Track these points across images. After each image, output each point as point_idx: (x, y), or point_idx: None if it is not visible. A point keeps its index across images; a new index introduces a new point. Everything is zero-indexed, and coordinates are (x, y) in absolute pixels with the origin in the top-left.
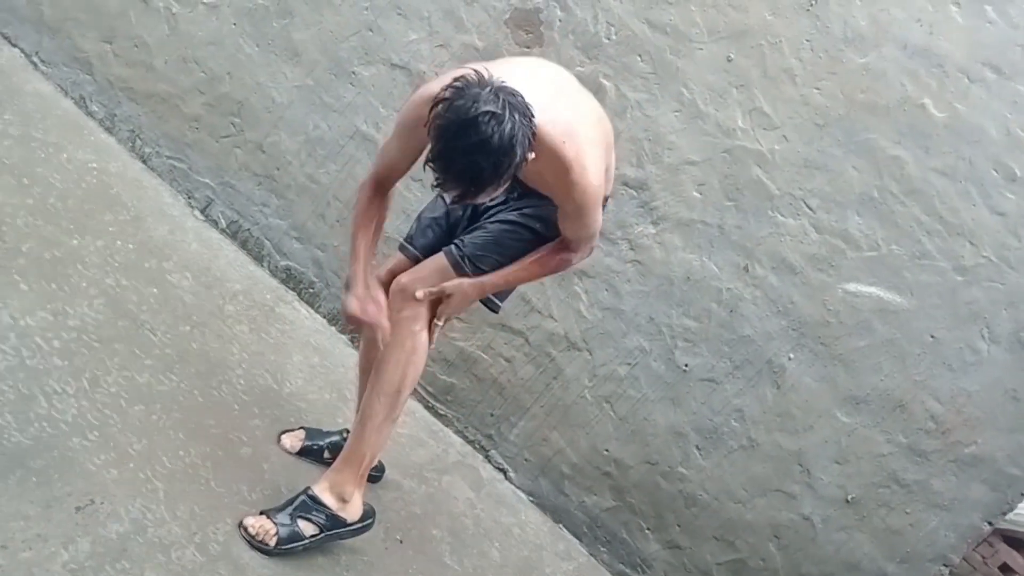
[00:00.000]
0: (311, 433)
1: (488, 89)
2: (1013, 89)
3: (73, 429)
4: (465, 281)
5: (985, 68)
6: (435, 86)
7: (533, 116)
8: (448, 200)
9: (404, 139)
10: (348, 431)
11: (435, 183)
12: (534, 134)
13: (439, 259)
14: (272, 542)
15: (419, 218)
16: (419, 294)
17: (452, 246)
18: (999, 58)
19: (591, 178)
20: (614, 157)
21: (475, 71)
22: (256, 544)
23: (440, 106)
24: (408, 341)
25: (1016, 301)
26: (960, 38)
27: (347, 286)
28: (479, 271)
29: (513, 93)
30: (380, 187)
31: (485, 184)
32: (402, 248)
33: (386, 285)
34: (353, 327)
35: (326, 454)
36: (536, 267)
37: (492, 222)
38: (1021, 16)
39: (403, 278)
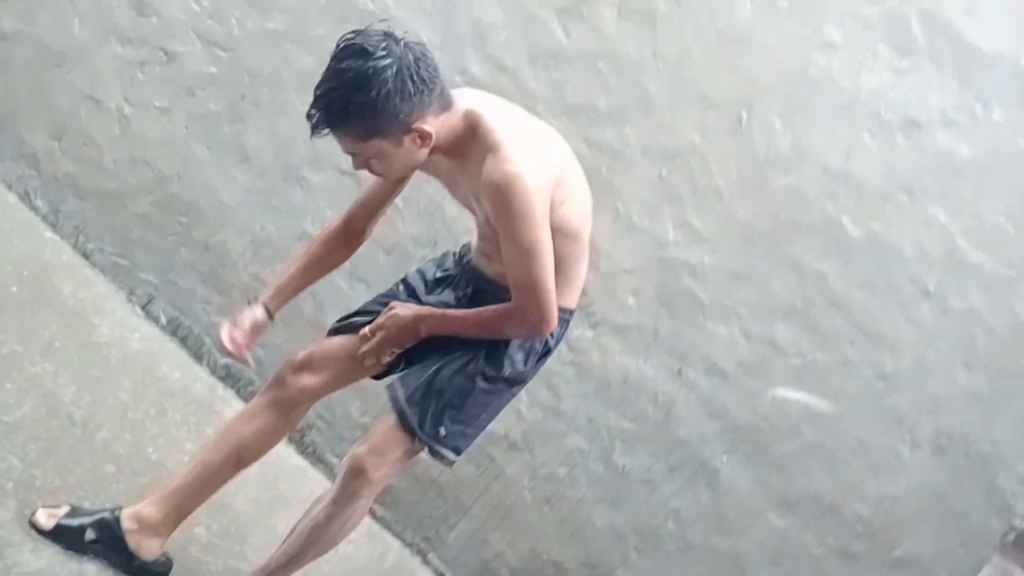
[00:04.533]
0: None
1: (384, 35)
2: (924, 210)
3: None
4: (402, 309)
5: (898, 190)
6: None
7: (432, 80)
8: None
9: None
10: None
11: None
12: (428, 104)
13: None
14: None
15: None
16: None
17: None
18: (910, 181)
19: (534, 191)
20: (580, 199)
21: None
22: None
23: None
24: (356, 516)
25: (935, 408)
26: (874, 162)
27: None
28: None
29: (410, 46)
30: (348, 222)
31: (332, 117)
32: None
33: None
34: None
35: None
36: (485, 321)
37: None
38: (928, 143)
39: (362, 453)
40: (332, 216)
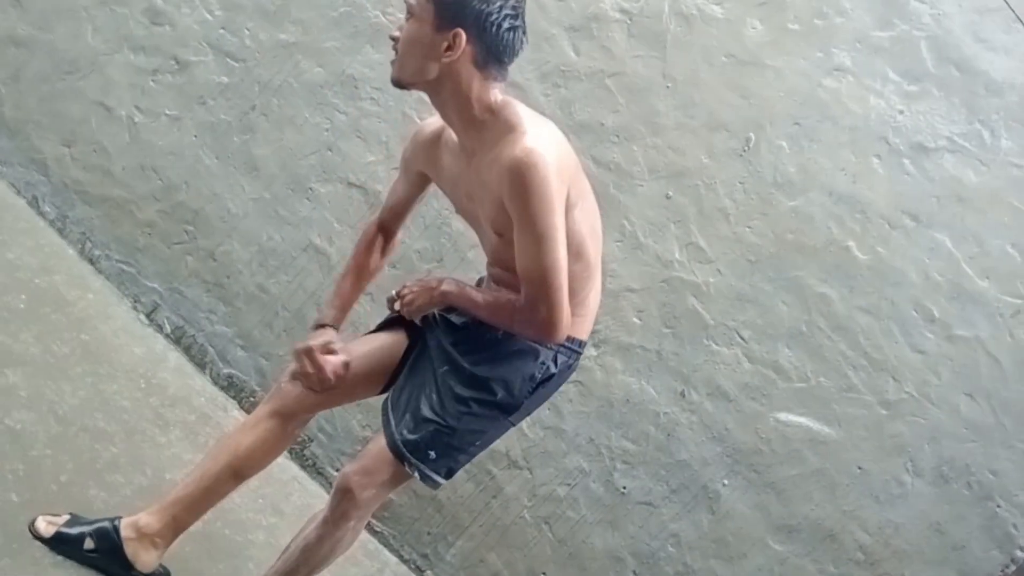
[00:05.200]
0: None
1: None
2: (930, 236)
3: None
4: (432, 281)
5: (904, 216)
6: (428, 122)
7: (508, 39)
8: None
9: (404, 173)
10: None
11: None
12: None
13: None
14: None
15: None
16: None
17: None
18: (917, 207)
19: (553, 172)
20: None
21: None
22: None
23: None
24: (348, 536)
25: (937, 436)
26: (881, 187)
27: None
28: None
29: (523, 22)
30: (383, 228)
31: None
32: None
33: None
34: (301, 369)
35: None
36: (500, 307)
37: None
38: (935, 170)
39: (351, 473)
40: (342, 226)
